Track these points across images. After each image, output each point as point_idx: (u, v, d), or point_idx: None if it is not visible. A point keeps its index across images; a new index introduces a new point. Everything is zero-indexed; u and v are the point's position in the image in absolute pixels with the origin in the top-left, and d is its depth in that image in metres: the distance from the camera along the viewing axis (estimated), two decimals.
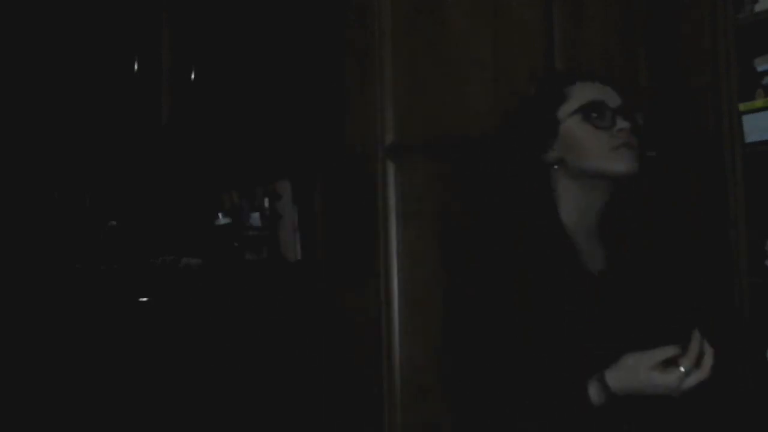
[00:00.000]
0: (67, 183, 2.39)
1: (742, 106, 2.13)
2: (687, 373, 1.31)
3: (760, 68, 2.15)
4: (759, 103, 2.11)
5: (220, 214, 2.47)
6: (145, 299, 2.10)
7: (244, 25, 2.48)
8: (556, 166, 1.58)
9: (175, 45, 2.58)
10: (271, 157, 2.45)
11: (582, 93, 1.58)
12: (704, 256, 2.12)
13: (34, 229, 2.29)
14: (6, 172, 2.28)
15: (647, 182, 1.83)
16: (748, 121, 2.12)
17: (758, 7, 2.13)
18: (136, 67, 2.45)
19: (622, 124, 1.54)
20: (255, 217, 2.47)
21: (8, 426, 1.94)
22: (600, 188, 1.56)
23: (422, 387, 1.87)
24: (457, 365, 1.60)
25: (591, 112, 1.55)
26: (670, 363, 1.33)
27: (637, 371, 1.34)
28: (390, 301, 1.88)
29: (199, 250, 2.39)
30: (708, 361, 1.32)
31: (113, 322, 2.06)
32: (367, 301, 1.93)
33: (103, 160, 2.48)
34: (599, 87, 1.60)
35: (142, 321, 2.09)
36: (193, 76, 2.47)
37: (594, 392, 1.37)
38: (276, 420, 2.16)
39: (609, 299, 1.52)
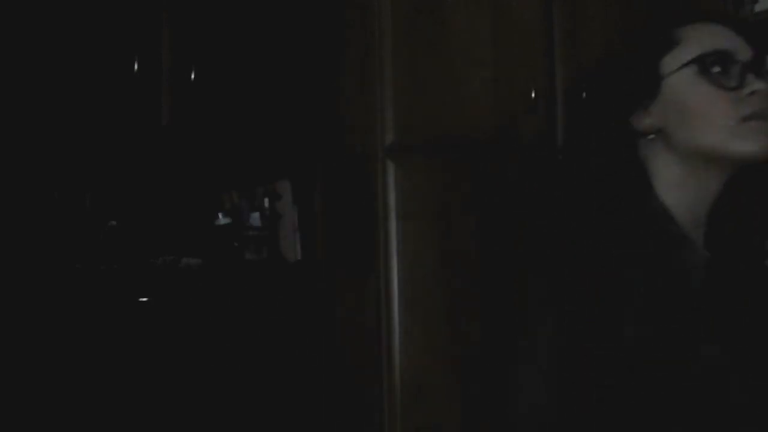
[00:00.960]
0: (67, 183, 2.39)
1: None
2: None
3: None
4: None
5: (220, 214, 2.47)
6: (145, 299, 2.10)
7: (244, 25, 2.48)
8: (651, 136, 1.11)
9: (175, 45, 2.58)
10: (271, 157, 2.45)
11: (700, 38, 1.10)
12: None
13: (34, 229, 2.29)
14: (6, 172, 2.27)
15: None
16: None
17: (758, 7, 2.13)
18: (136, 67, 2.44)
19: (756, 84, 1.05)
20: (255, 217, 2.47)
21: (8, 426, 1.93)
22: (717, 171, 1.09)
23: (422, 387, 1.87)
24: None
25: (712, 65, 1.08)
26: None
27: None
28: (390, 301, 1.89)
29: (199, 250, 2.38)
30: None
31: (113, 322, 2.06)
32: (367, 301, 1.93)
33: (103, 161, 2.48)
34: (724, 31, 1.11)
35: (142, 321, 2.09)
36: (193, 76, 2.47)
37: None
38: (276, 420, 2.16)
39: (721, 310, 1.07)
